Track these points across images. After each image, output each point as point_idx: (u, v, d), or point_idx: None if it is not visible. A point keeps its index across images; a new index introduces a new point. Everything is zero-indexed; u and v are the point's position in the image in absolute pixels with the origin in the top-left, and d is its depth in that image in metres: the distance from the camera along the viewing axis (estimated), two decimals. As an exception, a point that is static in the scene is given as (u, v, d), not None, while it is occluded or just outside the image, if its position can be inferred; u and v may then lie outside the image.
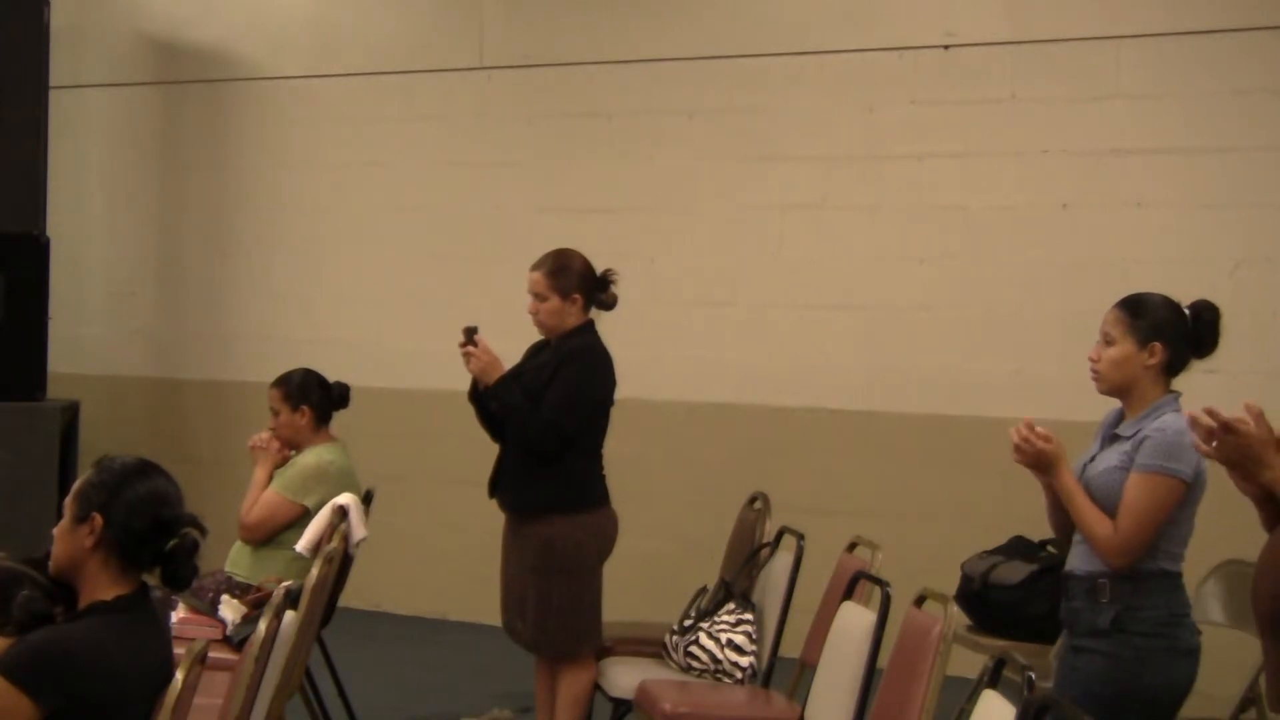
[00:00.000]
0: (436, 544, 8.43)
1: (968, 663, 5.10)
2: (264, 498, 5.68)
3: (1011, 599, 5.42)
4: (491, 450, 5.50)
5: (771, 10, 8.01)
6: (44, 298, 8.60)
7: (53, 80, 8.65)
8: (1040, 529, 4.56)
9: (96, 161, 9.46)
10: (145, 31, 9.35)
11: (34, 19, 8.48)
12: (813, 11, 7.93)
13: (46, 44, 8.57)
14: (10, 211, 8.42)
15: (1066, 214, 7.40)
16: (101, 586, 3.30)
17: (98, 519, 3.29)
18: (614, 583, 5.49)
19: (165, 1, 9.31)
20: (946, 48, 7.63)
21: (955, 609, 4.02)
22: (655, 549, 7.66)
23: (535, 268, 5.41)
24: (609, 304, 5.44)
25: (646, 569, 7.40)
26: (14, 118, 8.39)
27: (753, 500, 6.00)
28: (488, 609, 6.04)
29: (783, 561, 5.41)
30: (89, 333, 9.31)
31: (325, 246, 8.88)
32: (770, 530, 5.69)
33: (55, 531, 3.37)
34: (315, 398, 5.89)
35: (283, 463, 5.87)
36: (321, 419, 5.89)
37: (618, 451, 5.55)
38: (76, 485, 3.39)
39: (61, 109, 8.87)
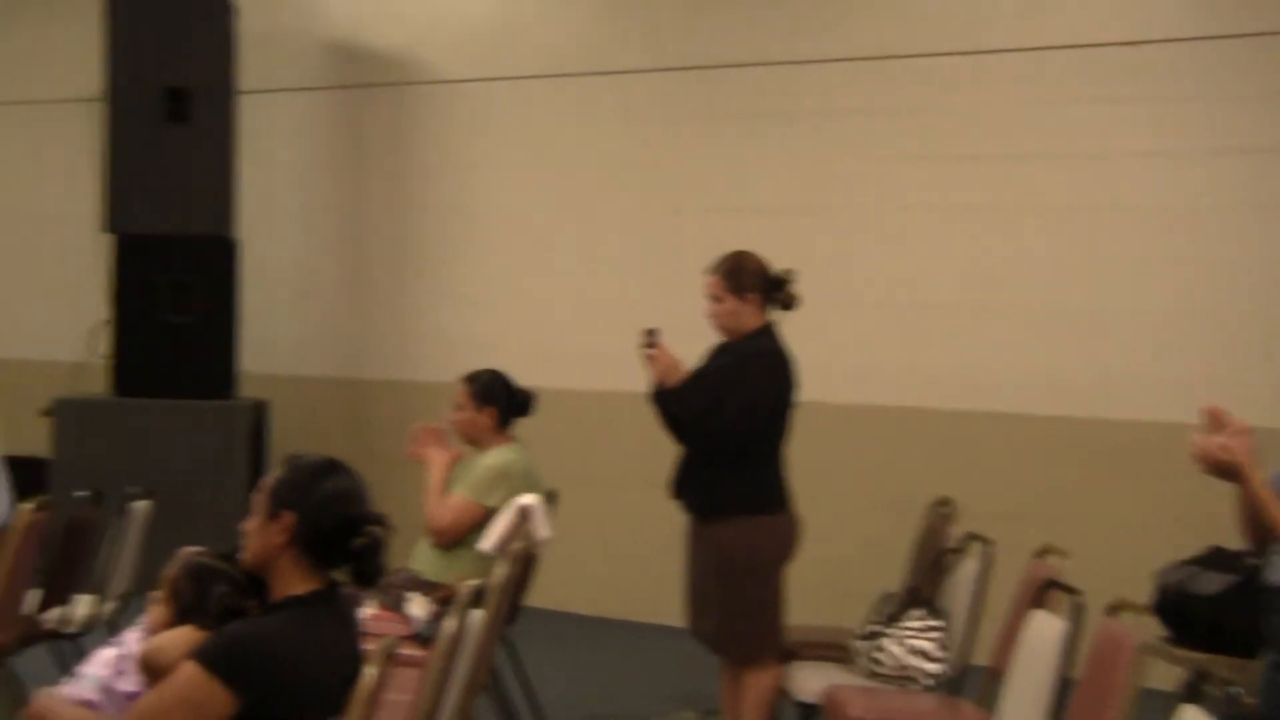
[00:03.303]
0: (619, 545, 8.44)
1: (1165, 676, 4.95)
2: (451, 501, 5.71)
3: (1209, 611, 5.25)
4: (673, 452, 5.48)
5: (951, 9, 7.89)
6: (234, 299, 8.80)
7: (241, 85, 8.83)
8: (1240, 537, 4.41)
9: (284, 165, 9.63)
10: (329, 37, 9.50)
11: (223, 26, 8.67)
12: (992, 9, 7.79)
13: (236, 50, 8.76)
14: (202, 215, 8.62)
15: (1260, 213, 7.17)
16: (293, 582, 3.34)
17: (288, 516, 3.32)
18: (797, 586, 5.43)
19: (349, 7, 9.45)
20: (1129, 44, 7.44)
21: (1150, 619, 3.89)
22: (838, 553, 7.58)
23: (710, 270, 5.39)
24: (788, 304, 5.39)
25: (829, 573, 7.33)
26: (205, 123, 8.59)
27: (938, 505, 5.91)
28: (671, 610, 6.02)
29: (969, 567, 5.31)
30: (277, 333, 9.48)
31: (505, 248, 8.94)
32: (956, 535, 5.59)
33: (247, 528, 3.41)
34: (500, 399, 5.91)
35: (455, 461, 5.90)
36: (503, 421, 5.92)
37: (800, 455, 5.49)
38: (267, 482, 3.43)
39: (250, 114, 9.05)
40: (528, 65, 8.88)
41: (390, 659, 3.32)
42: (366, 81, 9.41)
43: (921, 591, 5.40)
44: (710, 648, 5.45)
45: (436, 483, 5.82)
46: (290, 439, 8.53)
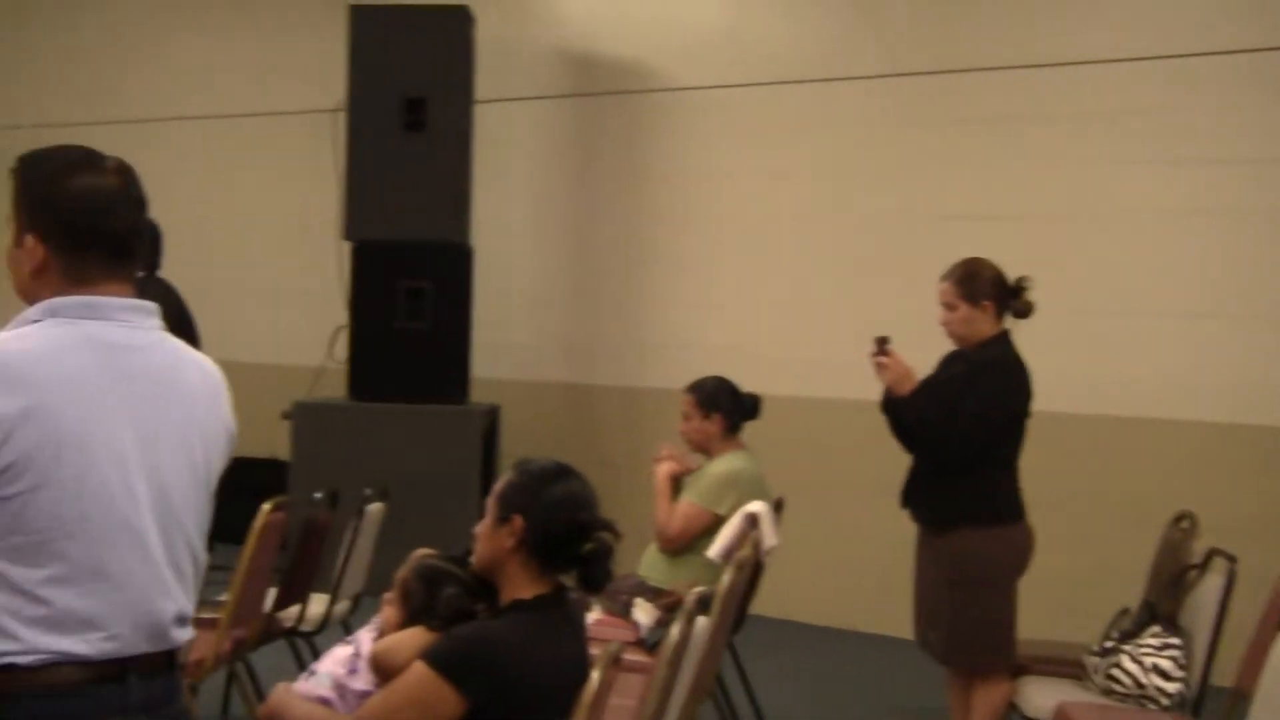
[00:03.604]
0: (847, 554, 8.35)
1: None
2: (681, 508, 5.71)
3: None
4: (903, 461, 5.40)
5: (1181, 9, 7.64)
6: (468, 305, 8.93)
7: (477, 94, 8.96)
8: None
9: (517, 173, 9.75)
10: (564, 45, 9.59)
11: (462, 36, 8.81)
12: (1222, 9, 7.52)
13: (473, 59, 8.90)
14: (438, 222, 8.76)
15: None
16: (521, 586, 3.36)
17: (518, 521, 3.35)
18: (1029, 599, 5.31)
19: (584, 16, 9.53)
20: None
21: None
22: (1072, 566, 7.38)
23: (944, 277, 5.31)
24: (1023, 312, 5.28)
25: (1063, 586, 7.14)
26: (442, 131, 8.74)
27: (1179, 519, 5.71)
28: (899, 621, 5.94)
29: (1212, 584, 5.11)
30: (509, 339, 9.60)
31: (736, 255, 8.92)
32: (1198, 551, 5.39)
33: (477, 531, 3.44)
34: (726, 406, 5.90)
35: (686, 471, 5.90)
36: (731, 427, 5.90)
37: (1034, 465, 5.36)
38: (498, 487, 3.46)
39: (485, 122, 9.18)
40: (760, 72, 8.84)
41: (616, 664, 3.32)
42: (600, 89, 9.48)
43: (1160, 608, 5.23)
44: (939, 660, 5.36)
45: (662, 489, 5.83)
46: (521, 444, 8.62)
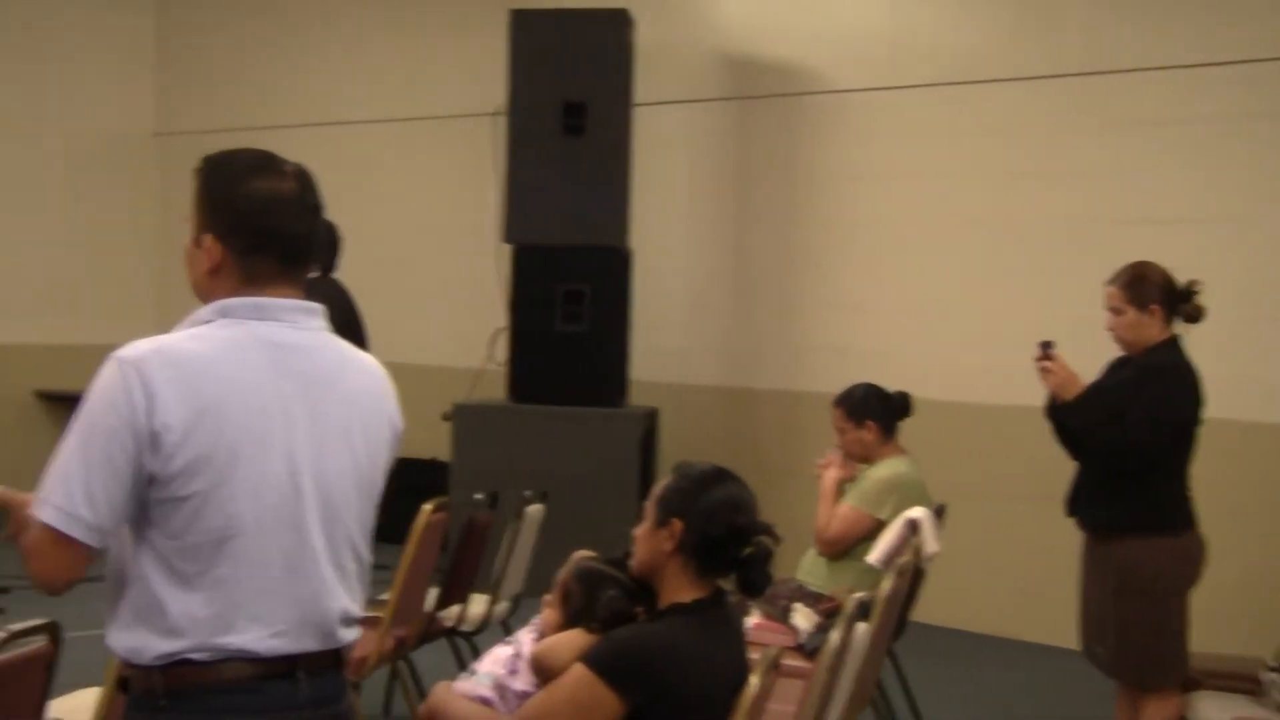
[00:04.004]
0: (1010, 561, 8.21)
1: None
2: (840, 512, 5.66)
3: None
4: (1068, 467, 5.30)
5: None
6: (626, 308, 8.95)
7: (636, 98, 8.98)
8: None
9: (676, 176, 9.75)
10: (723, 48, 9.57)
11: (621, 40, 8.83)
12: None
13: (632, 63, 8.91)
14: (597, 226, 8.80)
15: None
16: (680, 589, 3.35)
17: (677, 524, 3.34)
18: (1203, 611, 5.18)
19: (744, 18, 9.49)
20: None
21: None
22: (1246, 578, 7.18)
23: (1111, 281, 5.21)
24: (1194, 316, 5.15)
25: (1237, 599, 6.95)
26: (601, 135, 8.77)
27: (1358, 529, 5.53)
28: (1065, 631, 5.82)
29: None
30: (668, 342, 9.59)
31: (895, 259, 8.83)
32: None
33: (636, 534, 3.44)
34: (877, 411, 5.85)
35: (851, 477, 5.85)
36: (887, 431, 5.84)
37: (1208, 473, 5.23)
38: (657, 490, 3.45)
39: (643, 125, 9.20)
40: (920, 73, 8.74)
41: (774, 669, 3.30)
42: (758, 92, 9.44)
43: (1339, 622, 5.07)
44: (1107, 672, 5.25)
45: (828, 492, 5.78)
46: (679, 447, 8.62)
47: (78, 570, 2.47)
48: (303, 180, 2.64)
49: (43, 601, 2.54)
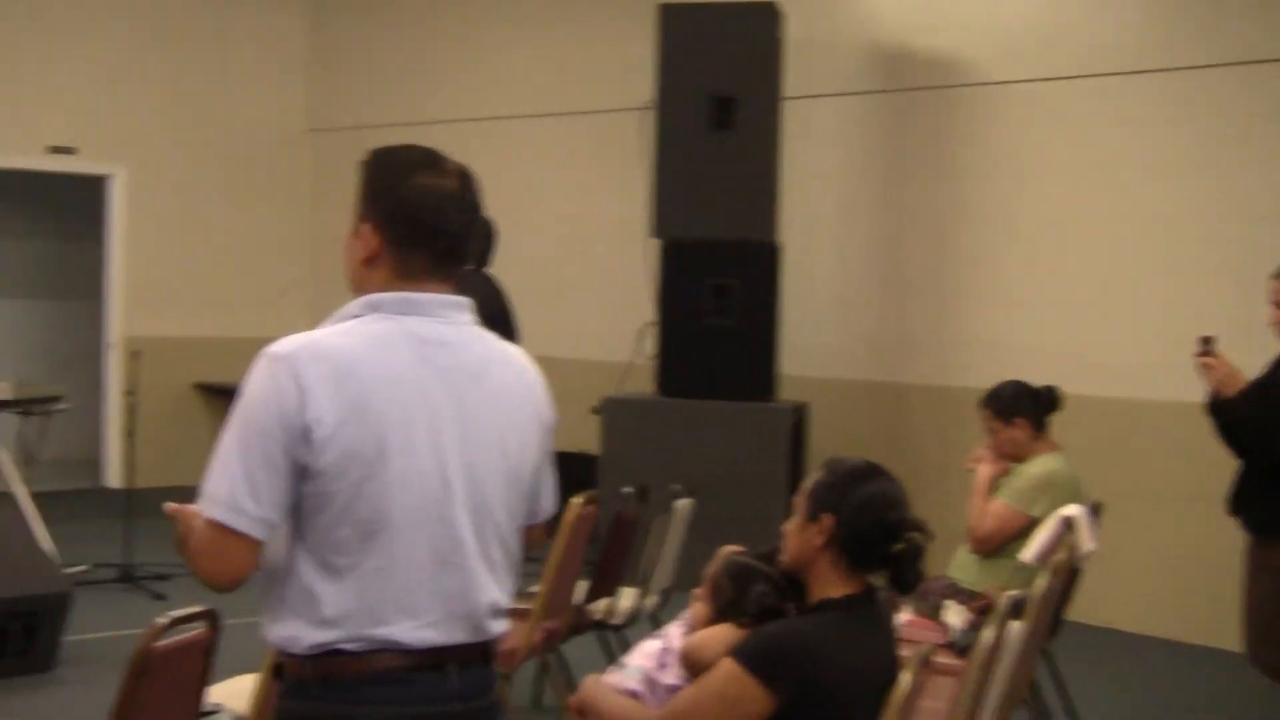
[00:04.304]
0: (1170, 561, 8.04)
1: None
2: (993, 509, 5.59)
3: None
4: (1230, 465, 5.18)
5: None
6: (775, 302, 8.91)
7: (785, 91, 8.94)
8: None
9: (825, 170, 9.68)
10: (875, 40, 9.49)
11: (771, 33, 8.80)
12: None
13: (781, 57, 8.87)
14: (746, 220, 8.77)
15: None
16: (830, 584, 3.33)
17: (827, 519, 3.32)
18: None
19: (897, 10, 9.40)
20: None
21: None
22: None
23: (1275, 275, 5.08)
24: (1363, 310, 5.01)
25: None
26: (750, 129, 8.74)
27: None
28: (1227, 633, 5.69)
29: None
30: (817, 337, 9.54)
31: (1050, 253, 8.68)
32: None
33: (786, 528, 3.42)
34: (1027, 408, 5.76)
35: (1004, 473, 5.77)
36: (1037, 427, 5.75)
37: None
38: (807, 484, 3.43)
39: (793, 119, 9.15)
40: (1075, 64, 8.58)
41: (926, 666, 3.27)
42: (910, 85, 9.34)
43: None
44: (1273, 678, 5.12)
45: (980, 489, 5.70)
46: (829, 442, 8.56)
47: (246, 565, 2.51)
48: (464, 179, 2.67)
49: (202, 589, 2.59)
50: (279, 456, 2.47)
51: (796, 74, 9.08)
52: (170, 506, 2.60)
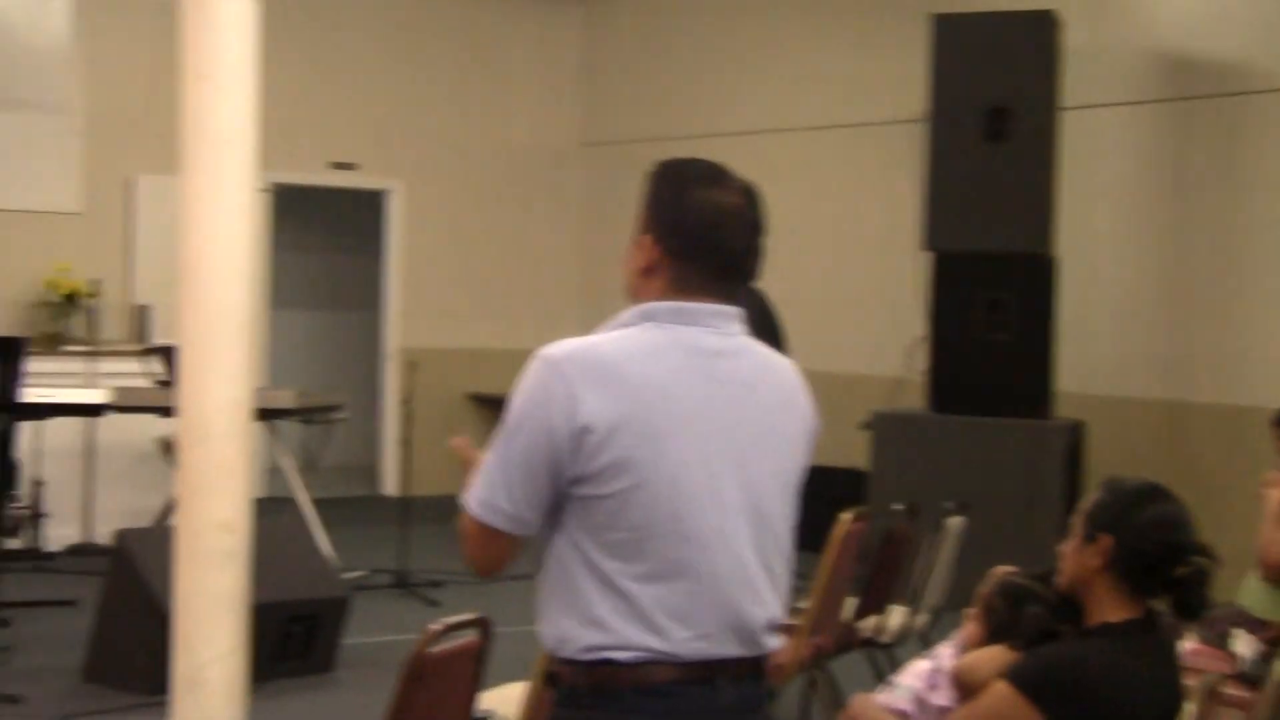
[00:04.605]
0: None
1: None
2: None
3: None
4: None
5: None
6: (1051, 317, 8.72)
7: (1063, 101, 8.73)
8: None
9: (1104, 181, 9.43)
10: (1156, 47, 9.21)
11: (1048, 42, 8.61)
12: None
13: (1059, 66, 8.68)
14: (1020, 232, 8.60)
15: None
16: (1108, 608, 3.25)
17: (1106, 540, 3.24)
18: None
19: (1179, 15, 9.11)
20: None
21: None
22: None
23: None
24: None
25: None
26: (1025, 140, 8.56)
27: None
28: None
29: None
30: (1096, 352, 9.30)
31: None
32: None
33: (1063, 549, 3.35)
34: (1322, 428, 5.50)
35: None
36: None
37: None
38: (1085, 505, 3.36)
39: (1070, 130, 8.93)
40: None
41: (1213, 697, 3.15)
42: (1192, 93, 9.04)
43: None
44: None
45: (1273, 514, 5.46)
46: (1108, 462, 8.32)
47: (502, 557, 2.60)
48: (749, 197, 2.67)
49: (475, 597, 2.63)
50: (541, 458, 2.51)
51: (1074, 83, 8.87)
52: (457, 441, 2.70)
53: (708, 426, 2.56)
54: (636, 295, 2.66)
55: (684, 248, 2.62)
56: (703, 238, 2.61)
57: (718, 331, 2.63)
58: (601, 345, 2.57)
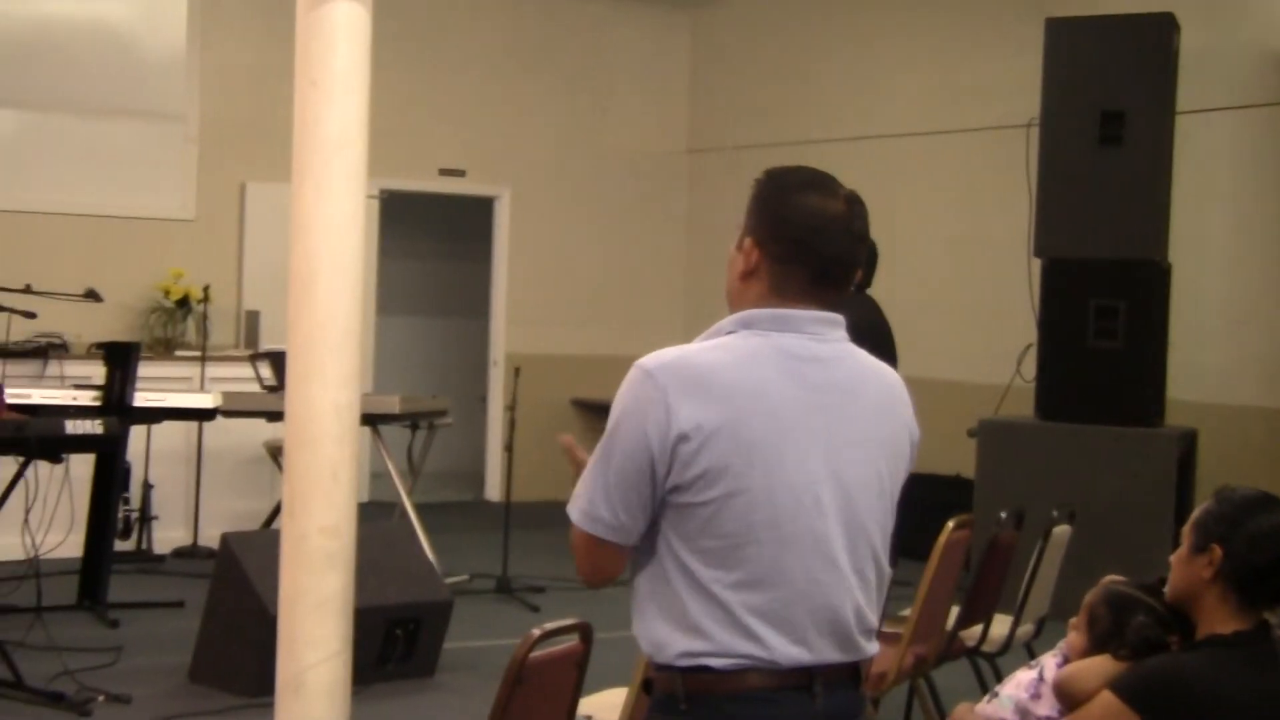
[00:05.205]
0: None
1: None
2: None
3: None
4: None
5: None
6: (1164, 324, 8.59)
7: (1179, 105, 8.60)
8: None
9: (1220, 187, 9.28)
10: (1275, 50, 9.04)
11: (1165, 45, 8.47)
12: None
13: (1175, 69, 8.55)
14: (1132, 238, 8.48)
15: None
16: (1219, 619, 3.21)
17: (1217, 550, 3.20)
18: None
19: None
20: None
21: None
22: None
23: None
24: None
25: None
26: (1139, 143, 8.44)
27: None
28: None
29: None
30: (1208, 360, 9.15)
31: None
32: None
33: (1172, 559, 3.32)
34: None
35: None
36: None
37: None
38: (1195, 514, 3.33)
39: (1186, 134, 8.80)
40: None
41: (1327, 713, 3.08)
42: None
43: None
44: None
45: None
46: (1220, 471, 8.18)
47: (609, 567, 2.61)
48: (853, 205, 2.66)
49: (576, 602, 2.65)
50: (639, 467, 2.52)
51: (1189, 86, 8.73)
52: (565, 439, 2.73)
53: (804, 433, 2.56)
54: (737, 302, 2.67)
55: (784, 252, 2.62)
56: (803, 242, 2.61)
57: (817, 337, 2.62)
58: (697, 354, 2.58)
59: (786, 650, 2.53)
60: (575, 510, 2.59)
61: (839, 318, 2.67)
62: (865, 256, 2.71)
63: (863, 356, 2.70)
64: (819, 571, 2.55)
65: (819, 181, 2.66)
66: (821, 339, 2.62)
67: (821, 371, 2.60)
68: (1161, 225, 8.57)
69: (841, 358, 2.65)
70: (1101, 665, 3.29)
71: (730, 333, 2.62)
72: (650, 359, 2.57)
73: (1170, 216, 8.66)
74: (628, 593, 2.65)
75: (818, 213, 2.61)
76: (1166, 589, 3.33)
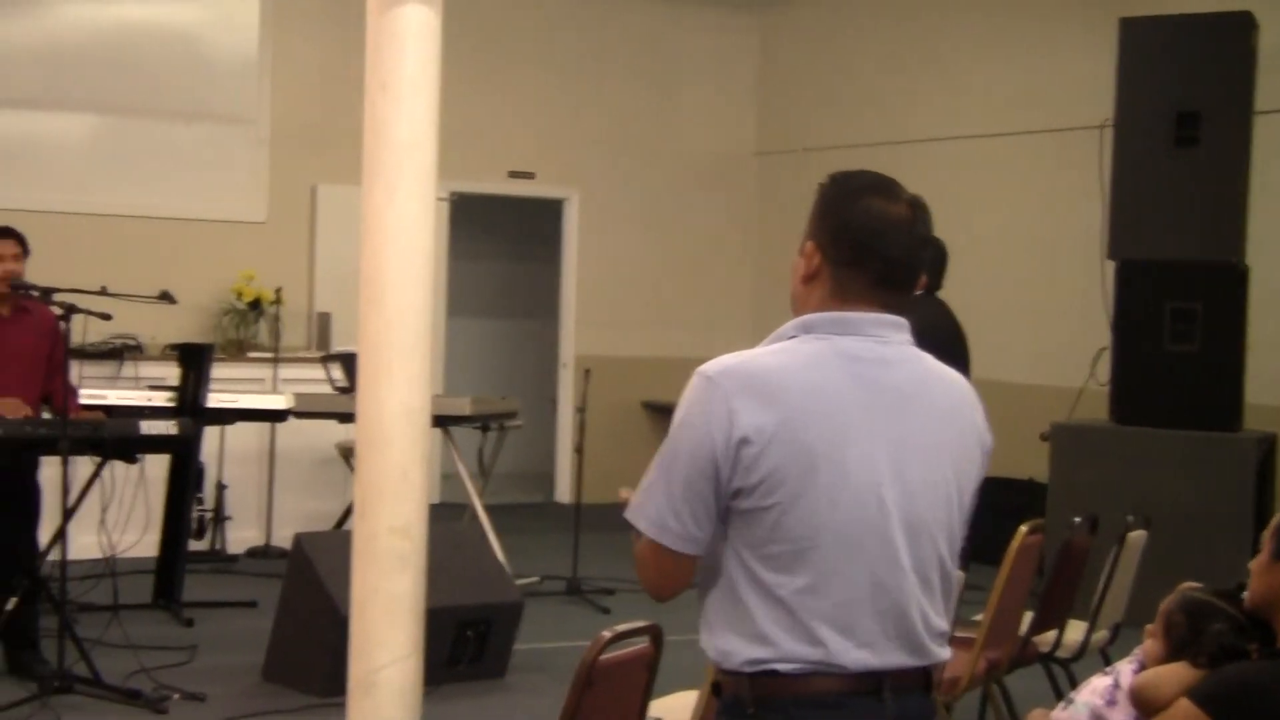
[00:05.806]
0: None
1: None
2: None
3: None
4: None
5: None
6: (1242, 328, 8.47)
7: (1257, 105, 8.49)
8: None
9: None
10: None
11: (1243, 44, 8.36)
12: None
13: (1253, 69, 8.43)
14: (1209, 240, 8.39)
15: None
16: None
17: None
18: None
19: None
20: None
21: None
22: None
23: None
24: None
25: None
26: (1216, 145, 8.34)
27: None
28: None
29: None
30: (1286, 364, 9.02)
31: None
32: None
33: (1251, 566, 3.28)
34: None
35: None
36: None
37: None
38: (1275, 520, 3.30)
39: (1264, 135, 8.68)
40: None
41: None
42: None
43: None
44: None
45: None
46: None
47: (677, 577, 2.59)
48: (917, 209, 2.66)
49: (646, 605, 2.63)
50: (703, 473, 2.51)
51: (1267, 86, 8.61)
52: (626, 494, 2.70)
53: (866, 435, 2.54)
54: (799, 306, 2.66)
55: (845, 256, 2.61)
56: (865, 244, 2.60)
57: (879, 340, 2.61)
58: (758, 359, 2.58)
59: (852, 654, 2.52)
60: (642, 521, 2.57)
61: (902, 320, 2.65)
62: (928, 260, 2.69)
63: (929, 360, 2.69)
64: (883, 574, 2.53)
65: (881, 185, 2.65)
66: (884, 341, 2.61)
67: (884, 373, 2.59)
68: (1238, 226, 8.45)
69: (905, 360, 2.63)
70: (1179, 673, 3.25)
71: (792, 337, 2.61)
72: (711, 365, 2.56)
73: (1247, 218, 8.54)
74: (696, 595, 2.63)
75: (879, 216, 2.60)
76: (1245, 596, 3.29)
